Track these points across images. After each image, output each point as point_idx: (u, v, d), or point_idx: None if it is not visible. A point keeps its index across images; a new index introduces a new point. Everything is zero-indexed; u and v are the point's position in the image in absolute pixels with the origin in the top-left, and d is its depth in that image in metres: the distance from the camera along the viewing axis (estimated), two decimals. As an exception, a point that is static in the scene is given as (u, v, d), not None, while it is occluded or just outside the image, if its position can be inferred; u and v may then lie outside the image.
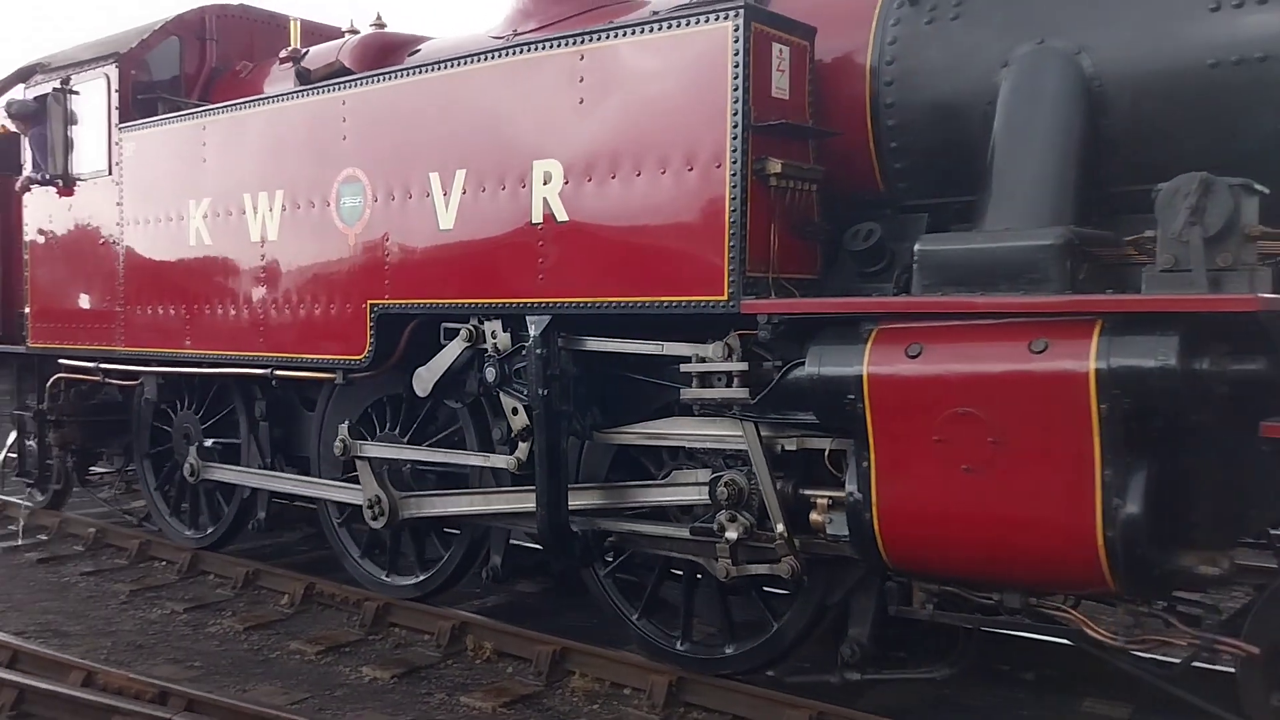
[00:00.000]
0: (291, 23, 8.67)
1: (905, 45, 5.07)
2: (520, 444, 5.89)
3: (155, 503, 8.83)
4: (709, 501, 5.31)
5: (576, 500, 5.76)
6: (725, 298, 4.86)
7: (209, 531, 8.41)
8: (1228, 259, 3.76)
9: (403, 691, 5.91)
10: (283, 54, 7.85)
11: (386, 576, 7.25)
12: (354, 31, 8.27)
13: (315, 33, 8.75)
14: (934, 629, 5.27)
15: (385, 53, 7.43)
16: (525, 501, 5.91)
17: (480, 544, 6.76)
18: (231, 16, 8.90)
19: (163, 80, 8.54)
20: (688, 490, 5.48)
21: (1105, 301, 3.95)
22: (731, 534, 5.18)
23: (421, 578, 7.05)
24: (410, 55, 7.40)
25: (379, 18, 8.30)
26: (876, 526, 4.44)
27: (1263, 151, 4.26)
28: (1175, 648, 4.21)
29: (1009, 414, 4.06)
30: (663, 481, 5.64)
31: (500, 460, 6.09)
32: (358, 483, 6.74)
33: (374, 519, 6.64)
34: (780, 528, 5.01)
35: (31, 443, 9.70)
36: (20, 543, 9.16)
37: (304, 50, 7.93)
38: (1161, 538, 4.00)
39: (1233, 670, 4.37)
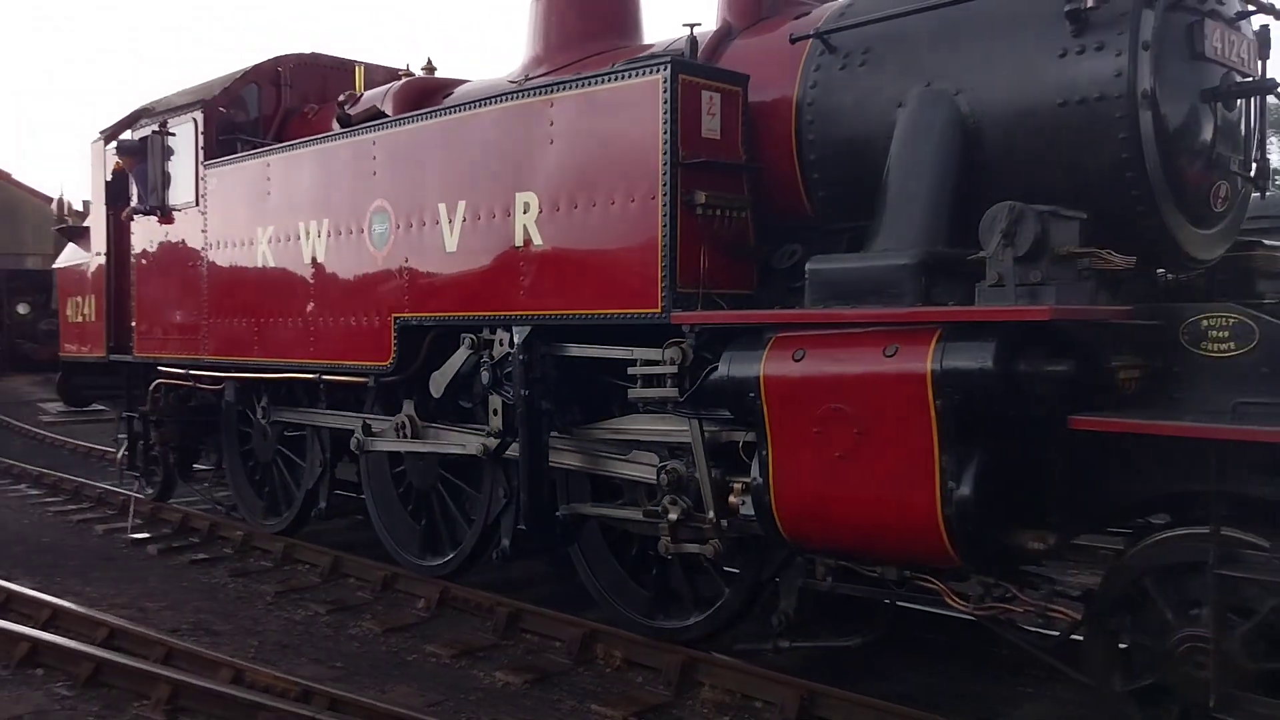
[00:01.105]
0: (357, 68, 9.75)
1: (823, 88, 5.76)
2: (491, 438, 6.80)
3: (241, 495, 10.01)
4: (656, 483, 6.02)
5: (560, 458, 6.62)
6: (659, 310, 5.65)
7: (282, 516, 9.54)
8: (1038, 275, 4.36)
9: (535, 697, 6.00)
10: (340, 98, 8.89)
11: (420, 559, 8.20)
12: (408, 74, 9.31)
13: (381, 74, 9.79)
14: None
15: (422, 96, 8.39)
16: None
17: (494, 529, 7.63)
18: (304, 64, 10.03)
19: (244, 122, 9.73)
20: (644, 468, 6.21)
21: (935, 313, 4.58)
22: (672, 515, 5.89)
23: (449, 557, 7.97)
24: (445, 97, 8.36)
25: (429, 62, 9.33)
26: (774, 507, 5.12)
27: (1101, 180, 4.83)
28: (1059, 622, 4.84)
29: (869, 409, 4.71)
30: (625, 457, 6.38)
31: (472, 448, 7.01)
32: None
33: (402, 439, 7.71)
34: (711, 513, 5.70)
35: (140, 441, 11.02)
36: (131, 532, 10.39)
37: (358, 94, 8.97)
38: (998, 518, 4.59)
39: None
